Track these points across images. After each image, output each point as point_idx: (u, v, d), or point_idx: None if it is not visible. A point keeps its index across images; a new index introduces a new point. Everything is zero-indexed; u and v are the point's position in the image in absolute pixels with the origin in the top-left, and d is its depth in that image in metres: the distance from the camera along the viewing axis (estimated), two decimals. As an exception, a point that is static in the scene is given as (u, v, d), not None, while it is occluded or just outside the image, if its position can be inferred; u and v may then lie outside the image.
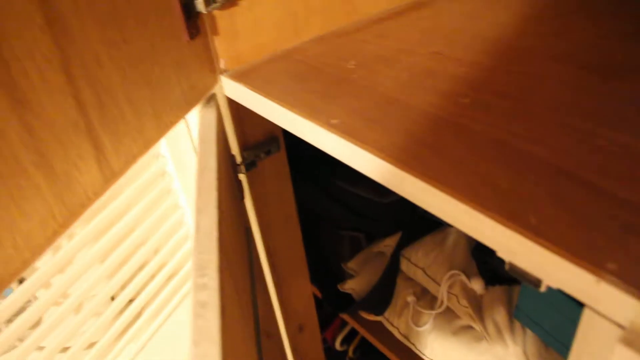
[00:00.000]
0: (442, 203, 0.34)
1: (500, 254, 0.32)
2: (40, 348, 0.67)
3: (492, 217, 0.31)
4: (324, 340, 1.14)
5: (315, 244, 0.93)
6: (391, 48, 0.56)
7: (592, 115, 0.40)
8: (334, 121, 0.42)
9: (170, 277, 0.87)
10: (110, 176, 0.41)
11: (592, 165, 0.34)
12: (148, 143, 0.45)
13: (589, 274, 0.27)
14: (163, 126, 0.46)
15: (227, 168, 0.54)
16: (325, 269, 0.92)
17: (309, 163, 0.88)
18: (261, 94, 0.49)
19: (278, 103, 0.46)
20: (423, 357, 0.77)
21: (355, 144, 0.39)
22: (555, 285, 0.29)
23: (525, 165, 0.35)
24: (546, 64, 0.49)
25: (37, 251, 0.35)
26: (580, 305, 0.57)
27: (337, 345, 1.14)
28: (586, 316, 0.29)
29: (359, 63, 0.53)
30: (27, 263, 0.34)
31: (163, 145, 0.72)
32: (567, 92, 0.44)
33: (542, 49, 0.52)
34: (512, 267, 0.33)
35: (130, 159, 0.43)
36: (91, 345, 0.74)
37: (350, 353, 1.16)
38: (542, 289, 0.31)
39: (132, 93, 0.42)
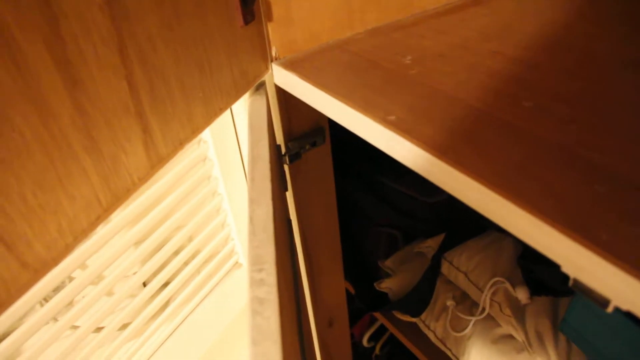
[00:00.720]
0: (505, 211, 0.32)
1: (565, 269, 0.30)
2: (75, 327, 0.68)
3: (559, 229, 0.29)
4: (351, 336, 1.13)
5: (351, 239, 0.91)
6: (449, 44, 0.54)
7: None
8: (391, 117, 0.40)
9: (205, 263, 0.87)
10: (156, 161, 0.40)
11: None
12: (196, 129, 0.44)
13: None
14: (212, 112, 0.45)
15: (275, 158, 0.52)
16: (360, 265, 0.90)
17: (351, 157, 0.86)
18: (313, 84, 0.47)
19: (331, 94, 0.45)
20: None
21: (413, 142, 0.37)
22: (624, 307, 0.27)
23: (596, 177, 0.33)
24: (614, 70, 0.46)
25: (80, 236, 0.34)
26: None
27: (365, 341, 1.13)
28: None
29: (416, 58, 0.51)
30: (69, 247, 0.33)
31: (206, 132, 0.71)
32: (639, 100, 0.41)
33: (608, 52, 0.49)
34: (577, 283, 0.30)
35: (177, 145, 0.42)
36: (124, 326, 0.75)
37: (377, 350, 1.15)
38: (610, 309, 0.29)
39: (183, 77, 0.41)
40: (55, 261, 0.32)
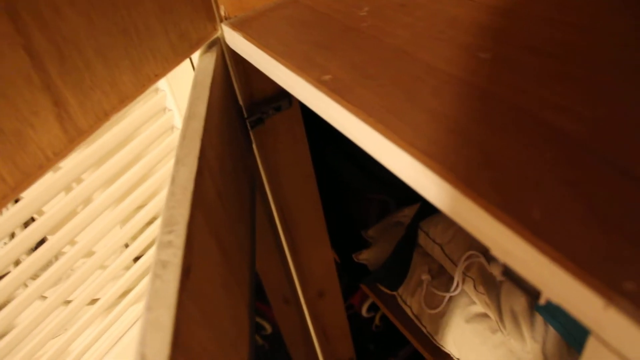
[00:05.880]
0: (430, 184, 0.28)
1: (495, 252, 0.26)
2: (67, 302, 0.67)
3: (483, 206, 0.25)
4: (351, 306, 1.10)
5: (339, 208, 0.87)
6: (414, -9, 0.49)
7: None
8: (326, 77, 0.37)
9: None
10: (75, 134, 0.37)
11: (624, 146, 0.27)
12: (125, 98, 0.41)
13: (596, 295, 0.21)
14: (144, 79, 0.42)
15: (230, 119, 0.49)
16: (344, 235, 0.87)
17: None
18: (256, 44, 0.43)
19: (270, 54, 0.41)
20: (434, 341, 0.71)
21: (342, 105, 0.33)
22: (556, 300, 0.23)
23: (544, 140, 0.28)
24: (602, 15, 0.40)
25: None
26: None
27: (364, 312, 1.10)
28: (591, 344, 0.23)
29: (373, 9, 0.46)
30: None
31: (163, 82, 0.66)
32: (625, 52, 0.36)
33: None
34: (508, 270, 0.27)
35: (101, 116, 0.39)
36: (123, 295, 0.74)
37: (377, 320, 1.12)
38: (542, 302, 0.25)
39: (102, 44, 0.38)
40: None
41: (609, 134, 0.28)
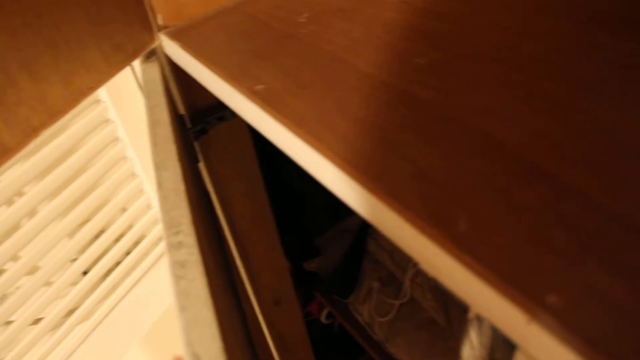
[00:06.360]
0: (357, 196, 0.28)
1: (423, 265, 0.26)
2: (8, 322, 0.65)
3: (408, 218, 0.25)
4: (309, 314, 1.09)
5: (292, 216, 0.86)
6: (354, -3, 0.49)
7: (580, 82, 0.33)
8: (259, 87, 0.36)
9: (136, 243, 0.82)
10: (1, 152, 0.36)
11: (556, 155, 0.28)
12: (55, 113, 0.39)
13: (519, 310, 0.20)
14: (77, 93, 0.41)
15: (178, 127, 0.48)
16: (298, 244, 0.86)
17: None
18: (192, 54, 0.42)
19: (205, 64, 0.40)
20: (385, 349, 0.71)
21: (273, 116, 0.33)
22: (484, 315, 0.23)
23: (476, 150, 0.28)
24: (538, 17, 0.41)
25: None
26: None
27: (323, 318, 1.09)
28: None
29: (313, 15, 0.46)
30: None
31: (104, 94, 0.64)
32: (554, 52, 0.36)
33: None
34: (439, 283, 0.26)
35: (29, 132, 0.38)
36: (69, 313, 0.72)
37: (335, 327, 1.12)
38: (470, 316, 0.25)
39: (28, 58, 0.37)
40: None
41: (544, 145, 0.28)
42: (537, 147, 0.28)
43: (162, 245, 0.86)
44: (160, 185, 0.33)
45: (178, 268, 0.28)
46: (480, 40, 0.39)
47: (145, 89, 0.44)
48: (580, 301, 0.20)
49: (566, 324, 0.19)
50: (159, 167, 0.35)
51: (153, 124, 0.40)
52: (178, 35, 0.46)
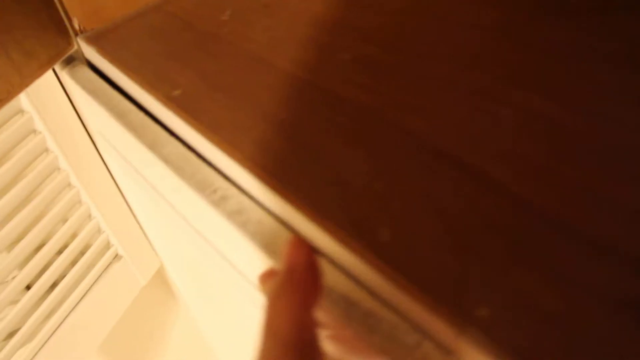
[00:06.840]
0: (274, 205, 0.27)
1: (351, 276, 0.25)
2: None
3: (328, 228, 0.24)
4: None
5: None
6: (279, -8, 0.48)
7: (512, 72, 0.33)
8: (176, 92, 0.35)
9: (76, 259, 0.79)
10: None
11: (488, 151, 0.27)
12: (-38, 130, 0.37)
13: (447, 325, 0.20)
14: (-15, 107, 0.39)
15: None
16: None
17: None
18: (109, 59, 0.41)
19: (122, 70, 0.39)
20: None
21: (189, 123, 0.32)
22: (423, 328, 0.22)
23: (399, 152, 0.28)
24: (471, 7, 0.41)
25: None
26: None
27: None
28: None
29: (236, 13, 0.45)
30: None
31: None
32: (489, 42, 0.36)
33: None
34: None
35: None
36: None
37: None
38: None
39: None
40: None
41: (472, 144, 0.28)
42: (462, 144, 0.27)
43: (110, 252, 0.83)
44: (167, 160, 0.33)
45: (236, 216, 0.29)
46: (413, 33, 0.38)
47: (92, 92, 0.42)
48: (509, 312, 0.20)
49: (493, 336, 0.19)
50: (153, 147, 0.34)
51: (120, 115, 0.38)
52: (95, 40, 0.44)
